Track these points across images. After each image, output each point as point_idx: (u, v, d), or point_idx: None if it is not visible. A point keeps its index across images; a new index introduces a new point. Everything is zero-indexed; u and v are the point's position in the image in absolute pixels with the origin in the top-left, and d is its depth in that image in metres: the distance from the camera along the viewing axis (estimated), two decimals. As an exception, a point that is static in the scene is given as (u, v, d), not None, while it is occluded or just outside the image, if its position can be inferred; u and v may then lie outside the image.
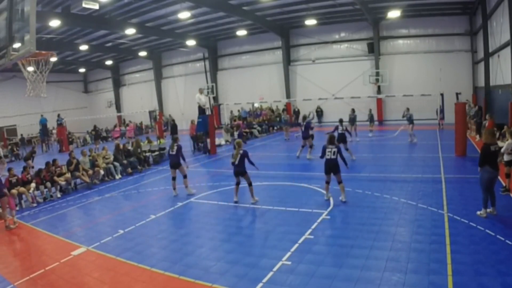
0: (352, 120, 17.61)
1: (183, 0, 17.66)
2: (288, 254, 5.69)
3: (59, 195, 10.96)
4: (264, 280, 4.96)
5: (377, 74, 23.65)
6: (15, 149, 22.36)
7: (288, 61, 26.80)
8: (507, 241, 5.56)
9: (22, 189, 10.13)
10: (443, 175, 9.97)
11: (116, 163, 13.13)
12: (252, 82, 28.51)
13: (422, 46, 23.40)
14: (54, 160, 11.61)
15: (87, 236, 7.31)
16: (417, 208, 7.41)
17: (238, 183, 8.69)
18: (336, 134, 11.03)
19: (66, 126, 24.77)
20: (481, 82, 19.93)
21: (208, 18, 22.64)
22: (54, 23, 17.53)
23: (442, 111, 20.95)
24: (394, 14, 20.21)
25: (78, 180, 11.97)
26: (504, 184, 8.11)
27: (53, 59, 8.51)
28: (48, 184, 10.77)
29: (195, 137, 17.75)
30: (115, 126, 32.42)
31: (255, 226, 7.48)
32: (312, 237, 6.32)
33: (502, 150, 7.64)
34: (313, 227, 6.74)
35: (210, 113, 19.55)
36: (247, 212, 8.19)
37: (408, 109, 16.33)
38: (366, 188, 9.07)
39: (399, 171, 10.81)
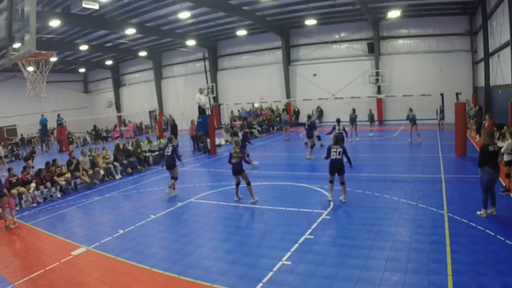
0: (353, 120, 17.61)
1: (183, 0, 17.66)
2: (288, 254, 5.69)
3: (59, 195, 10.96)
4: (264, 280, 4.96)
5: (377, 74, 23.64)
6: (15, 149, 22.35)
7: (288, 61, 26.79)
8: (507, 241, 5.57)
9: (22, 189, 10.13)
10: (443, 175, 9.97)
11: (116, 163, 13.14)
12: (252, 82, 28.51)
13: (422, 46, 23.39)
14: (54, 160, 11.60)
15: (87, 236, 7.31)
16: (417, 208, 7.41)
17: (238, 183, 8.73)
18: (333, 134, 11.04)
19: (66, 126, 24.77)
20: (481, 82, 19.93)
21: (208, 18, 22.64)
22: (54, 23, 17.53)
23: (442, 111, 20.94)
24: (394, 14, 20.21)
25: (78, 180, 11.97)
26: (504, 184, 8.10)
27: (53, 59, 8.51)
28: (48, 184, 10.76)
29: (195, 137, 17.75)
30: (115, 126, 32.44)
31: (255, 226, 7.46)
32: (312, 237, 6.31)
33: (502, 150, 7.63)
34: (313, 227, 6.74)
35: (210, 113, 19.57)
36: (247, 212, 8.19)
37: (411, 109, 16.30)
38: (366, 188, 9.07)
39: (399, 171, 10.81)
